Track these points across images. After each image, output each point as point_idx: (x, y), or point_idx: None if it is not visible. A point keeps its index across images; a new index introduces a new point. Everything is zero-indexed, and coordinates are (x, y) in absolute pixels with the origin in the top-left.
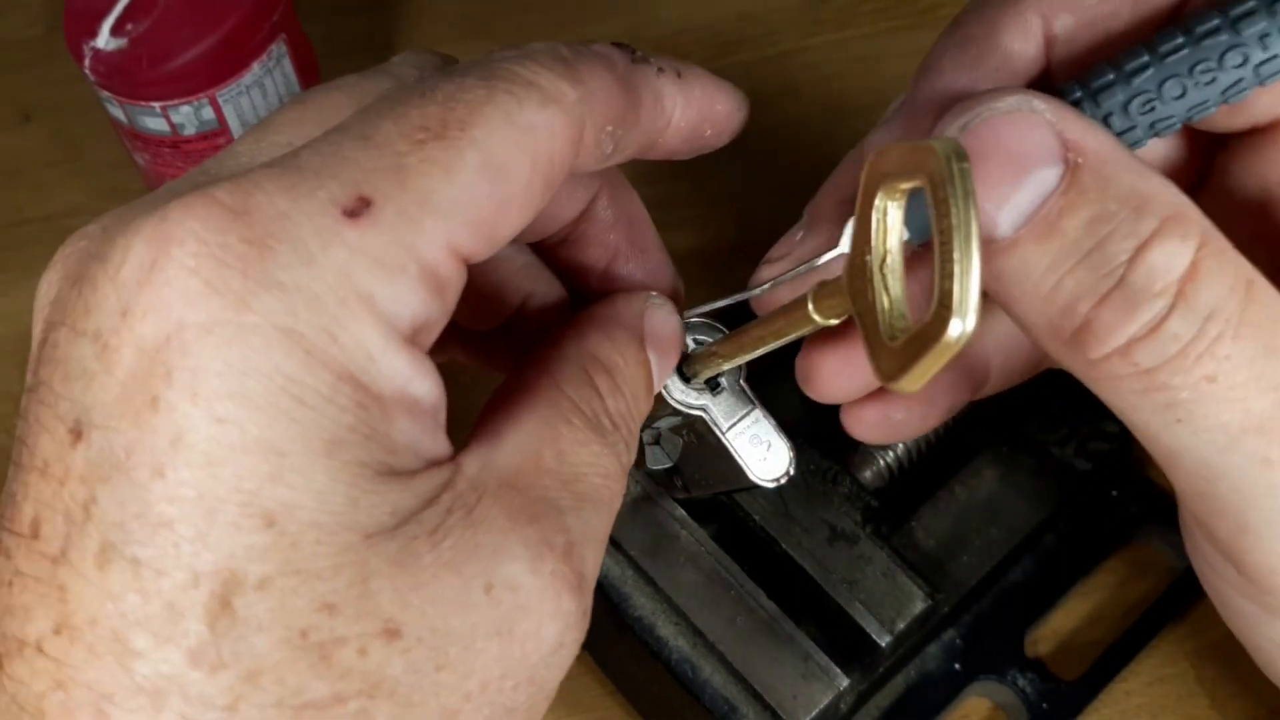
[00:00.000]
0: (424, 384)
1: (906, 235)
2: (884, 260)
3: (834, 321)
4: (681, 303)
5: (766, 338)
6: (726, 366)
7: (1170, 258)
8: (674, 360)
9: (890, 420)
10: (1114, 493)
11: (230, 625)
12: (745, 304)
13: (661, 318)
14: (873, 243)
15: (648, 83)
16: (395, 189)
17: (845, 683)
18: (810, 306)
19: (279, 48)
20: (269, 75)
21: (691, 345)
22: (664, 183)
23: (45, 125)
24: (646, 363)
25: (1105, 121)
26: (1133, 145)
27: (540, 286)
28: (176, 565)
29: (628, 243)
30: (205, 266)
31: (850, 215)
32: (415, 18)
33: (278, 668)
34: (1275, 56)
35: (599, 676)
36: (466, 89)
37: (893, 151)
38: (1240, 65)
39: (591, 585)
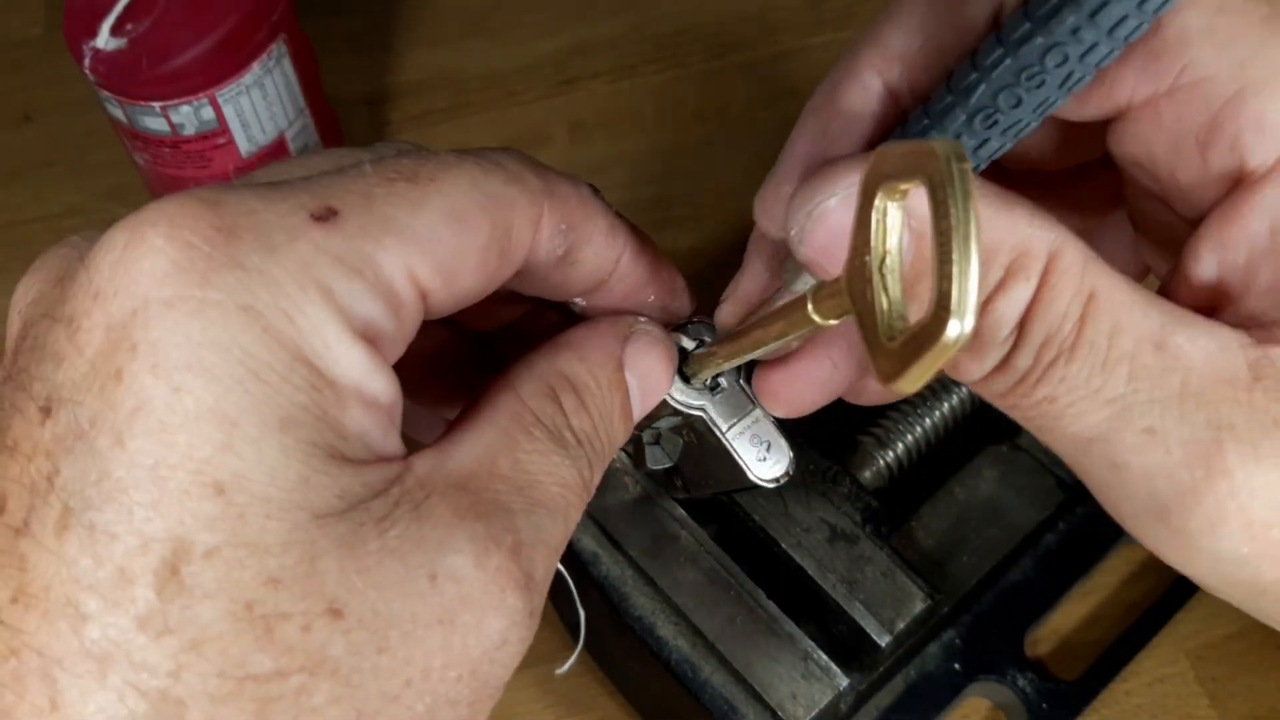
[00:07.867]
0: (378, 382)
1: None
2: (883, 261)
3: (833, 322)
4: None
5: (766, 338)
6: (726, 366)
7: (1014, 302)
8: (664, 385)
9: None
10: None
11: (177, 592)
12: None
13: (645, 344)
14: (872, 243)
15: (605, 212)
16: (361, 208)
17: (845, 683)
18: (810, 307)
19: (279, 48)
20: (269, 75)
21: (691, 345)
22: (664, 182)
23: (45, 125)
24: (623, 385)
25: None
26: (996, 153)
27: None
28: (129, 530)
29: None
30: (173, 247)
31: (776, 256)
32: (415, 18)
33: (221, 638)
34: (1094, 45)
35: (599, 676)
36: (441, 155)
37: (892, 153)
38: (1062, 63)
39: (542, 588)
